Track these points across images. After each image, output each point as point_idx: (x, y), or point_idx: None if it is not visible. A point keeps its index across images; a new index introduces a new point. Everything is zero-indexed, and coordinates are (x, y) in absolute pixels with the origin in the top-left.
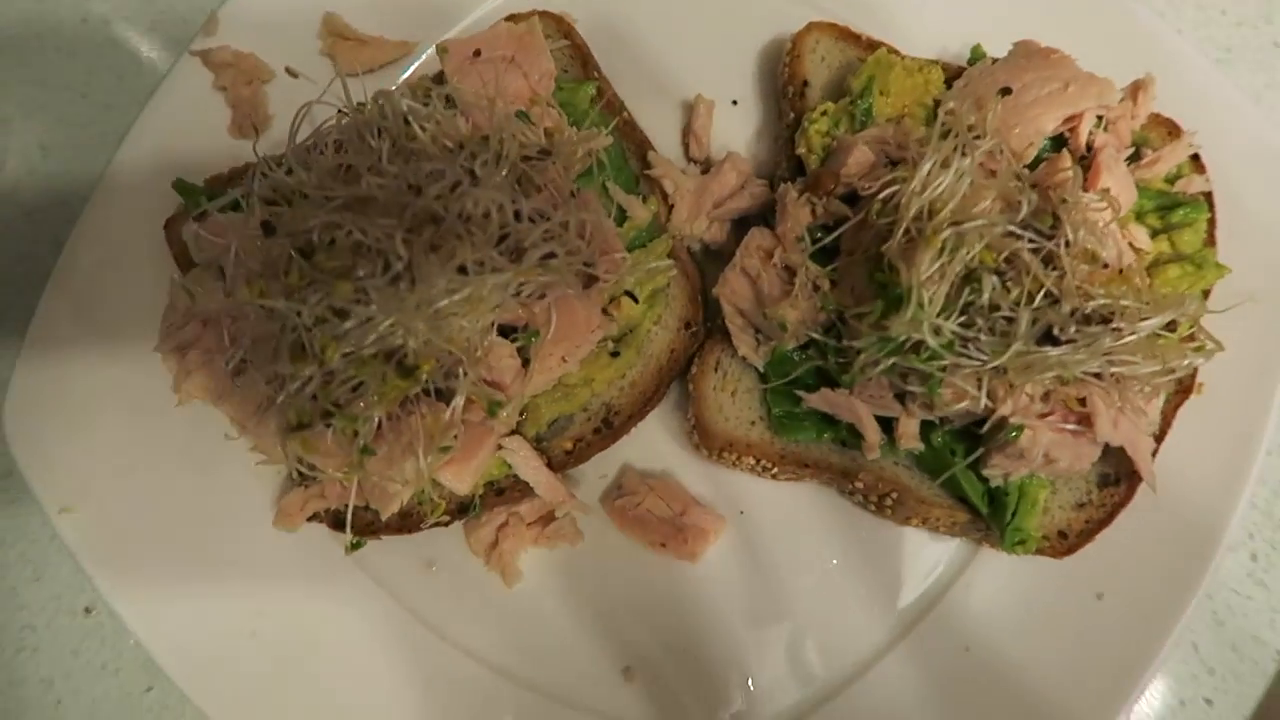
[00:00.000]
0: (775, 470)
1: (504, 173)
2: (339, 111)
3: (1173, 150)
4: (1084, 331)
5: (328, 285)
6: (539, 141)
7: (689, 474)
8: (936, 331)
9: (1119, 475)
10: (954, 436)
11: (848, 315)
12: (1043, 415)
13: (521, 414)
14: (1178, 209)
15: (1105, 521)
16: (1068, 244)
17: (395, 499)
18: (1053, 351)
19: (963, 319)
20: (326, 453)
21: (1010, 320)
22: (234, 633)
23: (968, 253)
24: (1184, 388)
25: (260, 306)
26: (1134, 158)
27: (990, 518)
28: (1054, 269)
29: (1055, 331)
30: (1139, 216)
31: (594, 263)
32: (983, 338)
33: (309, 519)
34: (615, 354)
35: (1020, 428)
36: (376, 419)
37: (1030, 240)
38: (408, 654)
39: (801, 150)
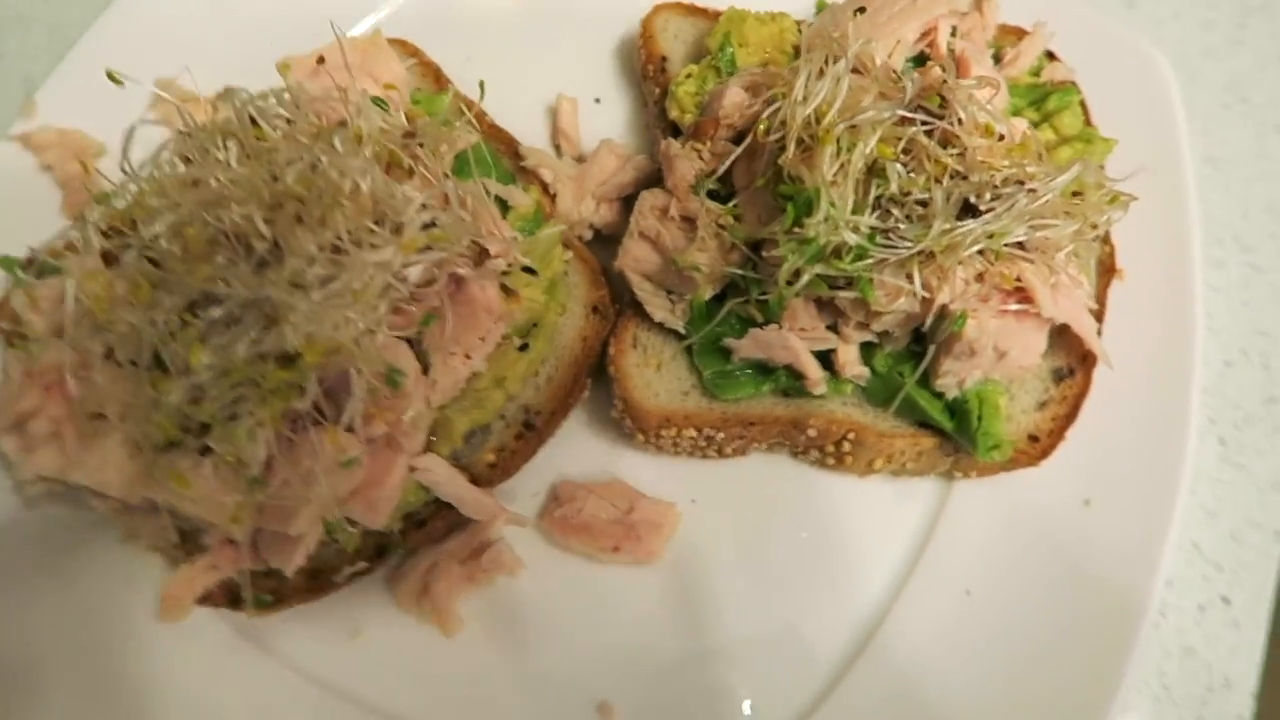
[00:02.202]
0: (720, 437)
1: (367, 151)
2: (179, 132)
3: (1030, 43)
4: (1000, 196)
5: (184, 284)
6: (401, 124)
7: (628, 471)
8: (854, 229)
9: (1071, 366)
10: (898, 359)
11: (760, 237)
12: (982, 299)
13: (432, 432)
14: (1049, 97)
15: (1071, 416)
16: (960, 121)
17: (300, 546)
18: (974, 223)
19: (877, 214)
20: (207, 494)
21: (925, 204)
22: None
23: (865, 147)
24: (1108, 268)
25: (108, 345)
26: (995, 61)
27: (957, 432)
28: (953, 148)
29: (973, 200)
30: (1016, 113)
31: (482, 239)
32: (901, 227)
33: (200, 602)
34: (524, 347)
35: (963, 315)
36: (264, 442)
37: (923, 123)
38: None
39: (675, 114)
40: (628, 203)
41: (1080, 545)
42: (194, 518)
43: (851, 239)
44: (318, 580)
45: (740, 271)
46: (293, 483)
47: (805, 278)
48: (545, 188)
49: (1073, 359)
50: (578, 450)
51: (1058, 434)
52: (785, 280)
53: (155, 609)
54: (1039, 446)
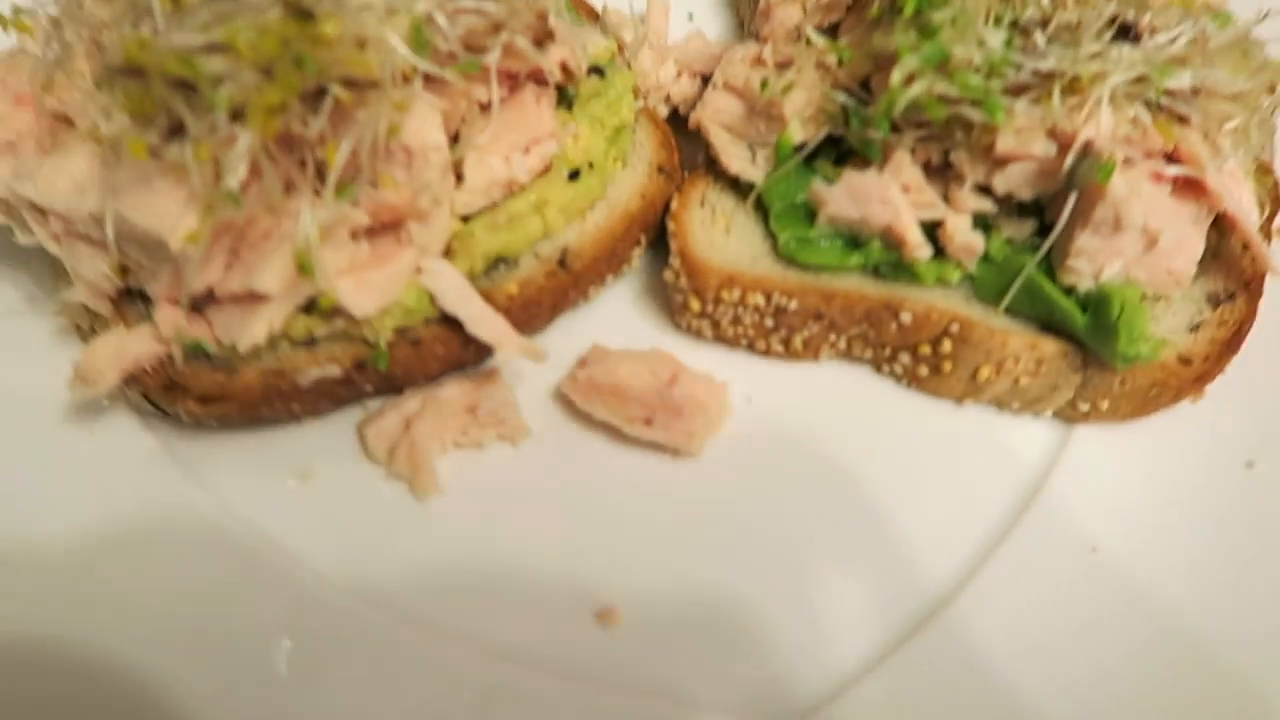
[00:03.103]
0: (792, 309)
1: None
2: None
3: None
4: (1165, 23)
5: None
6: None
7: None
8: (984, 43)
9: (1230, 290)
10: (1017, 250)
11: (868, 71)
12: (1137, 148)
13: (451, 246)
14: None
15: (1232, 342)
16: None
17: (262, 311)
18: (1131, 47)
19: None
20: (166, 195)
21: (1073, 30)
22: None
23: None
24: (1274, 198)
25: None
26: None
27: (1090, 331)
28: None
29: (1131, 21)
30: None
31: (548, 18)
32: (1042, 43)
33: (127, 383)
34: (575, 175)
35: (1111, 162)
36: (250, 144)
37: None
38: (275, 606)
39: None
40: None
41: (1243, 515)
42: (143, 241)
43: (989, 45)
44: (277, 382)
45: (842, 97)
46: (273, 215)
47: (920, 84)
48: (622, 50)
49: (1232, 281)
50: (618, 324)
51: (1216, 360)
52: (900, 82)
53: (63, 405)
54: (1192, 371)
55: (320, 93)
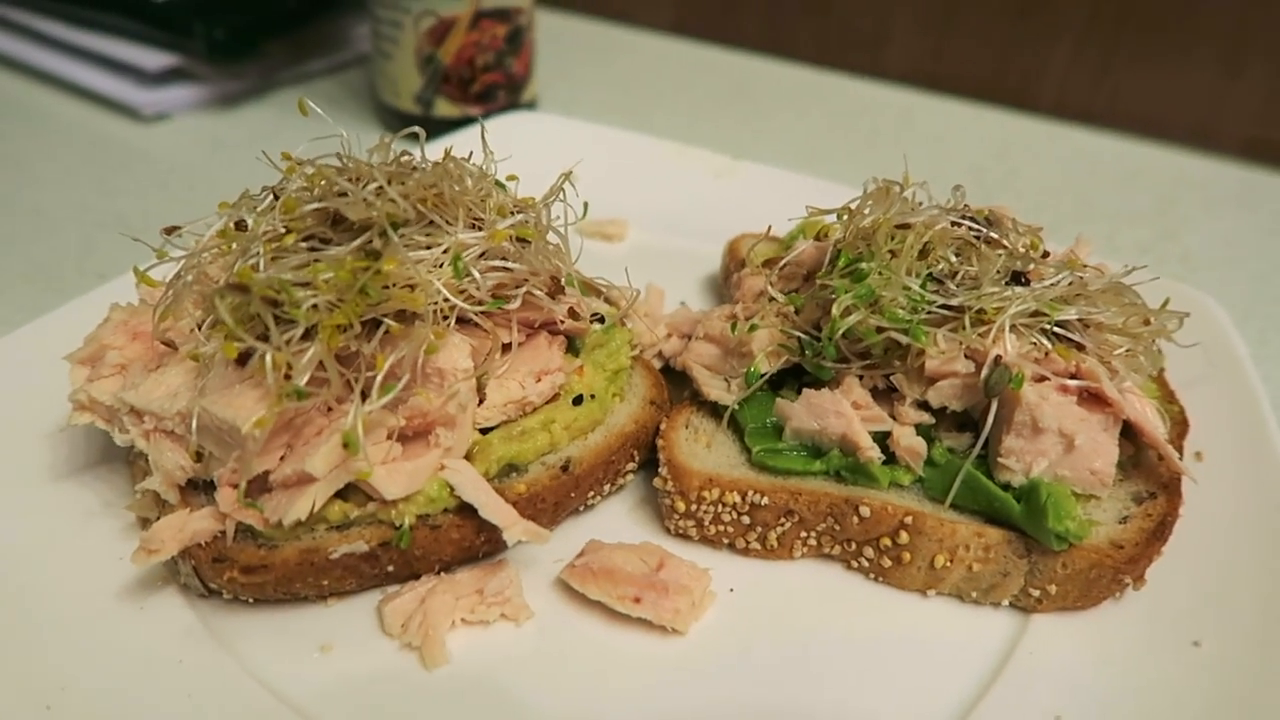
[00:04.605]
0: (765, 505)
1: (480, 189)
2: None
3: (1066, 250)
4: (1055, 268)
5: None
6: (514, 198)
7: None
8: (906, 288)
9: (1152, 490)
10: (959, 455)
11: (818, 317)
12: (1042, 365)
13: (470, 453)
14: None
15: (1158, 531)
16: (1007, 235)
17: (307, 493)
18: (1023, 289)
19: (931, 284)
20: (242, 395)
21: (975, 279)
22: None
23: (919, 236)
24: (1179, 421)
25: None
26: None
27: (1025, 517)
28: (1001, 250)
29: (1022, 272)
30: None
31: (559, 274)
32: (953, 287)
33: (181, 555)
34: (578, 400)
35: (1021, 375)
36: (318, 352)
37: (971, 229)
38: None
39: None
40: None
41: (1193, 689)
42: (219, 431)
43: (908, 285)
44: (310, 557)
45: (799, 333)
46: (327, 416)
47: (856, 315)
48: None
49: (1152, 483)
50: (614, 528)
51: (1146, 545)
52: (839, 314)
53: (121, 585)
54: (1125, 554)
55: (375, 322)
